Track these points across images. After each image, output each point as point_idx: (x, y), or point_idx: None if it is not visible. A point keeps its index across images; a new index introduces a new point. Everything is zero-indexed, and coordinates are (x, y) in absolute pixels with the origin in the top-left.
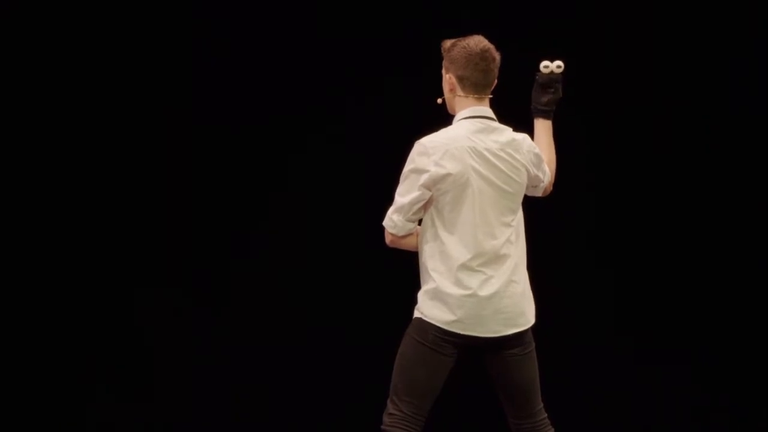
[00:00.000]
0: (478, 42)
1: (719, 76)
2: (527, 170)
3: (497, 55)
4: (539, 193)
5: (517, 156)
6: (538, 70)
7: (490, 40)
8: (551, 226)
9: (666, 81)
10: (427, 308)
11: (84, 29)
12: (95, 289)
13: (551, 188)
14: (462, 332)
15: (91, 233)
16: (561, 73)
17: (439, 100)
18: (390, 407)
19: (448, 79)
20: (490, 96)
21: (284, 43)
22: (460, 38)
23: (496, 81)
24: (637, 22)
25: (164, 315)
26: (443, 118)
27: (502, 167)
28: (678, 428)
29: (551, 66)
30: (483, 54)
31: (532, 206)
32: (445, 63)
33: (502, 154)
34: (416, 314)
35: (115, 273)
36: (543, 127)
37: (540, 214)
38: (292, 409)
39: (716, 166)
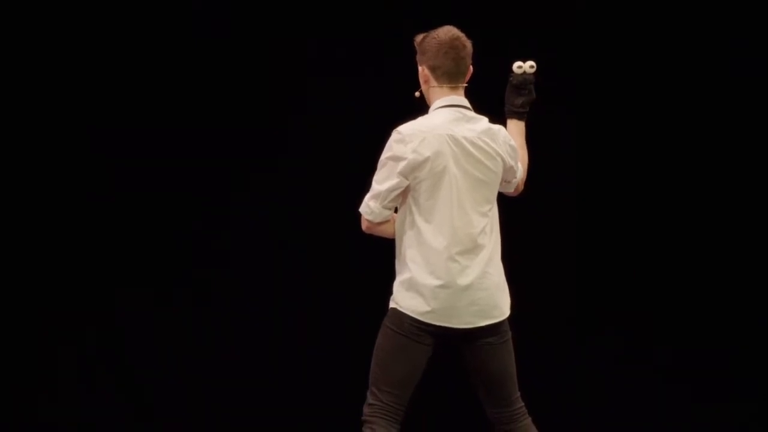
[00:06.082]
0: (447, 31)
1: (719, 75)
2: (503, 160)
3: (468, 43)
4: (511, 190)
5: (494, 145)
6: (511, 71)
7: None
8: (551, 226)
9: (664, 80)
10: (402, 299)
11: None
12: (88, 288)
13: (522, 187)
14: (436, 323)
15: (85, 232)
16: (534, 73)
17: (417, 94)
18: (369, 398)
19: (422, 71)
20: (465, 85)
21: (257, 41)
22: (431, 30)
23: (470, 70)
24: (632, 21)
25: (154, 314)
26: (421, 108)
27: (479, 156)
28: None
29: (524, 66)
30: (453, 42)
31: (531, 207)
32: (418, 56)
33: (479, 142)
34: (392, 304)
35: (109, 270)
36: (516, 128)
37: (537, 214)
38: (290, 408)
39: (715, 166)
